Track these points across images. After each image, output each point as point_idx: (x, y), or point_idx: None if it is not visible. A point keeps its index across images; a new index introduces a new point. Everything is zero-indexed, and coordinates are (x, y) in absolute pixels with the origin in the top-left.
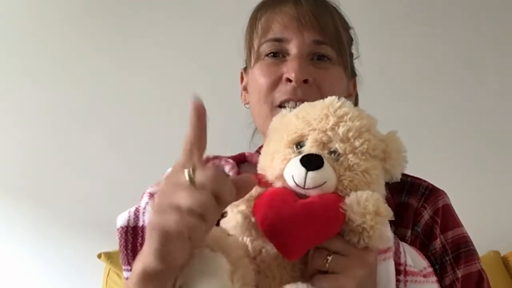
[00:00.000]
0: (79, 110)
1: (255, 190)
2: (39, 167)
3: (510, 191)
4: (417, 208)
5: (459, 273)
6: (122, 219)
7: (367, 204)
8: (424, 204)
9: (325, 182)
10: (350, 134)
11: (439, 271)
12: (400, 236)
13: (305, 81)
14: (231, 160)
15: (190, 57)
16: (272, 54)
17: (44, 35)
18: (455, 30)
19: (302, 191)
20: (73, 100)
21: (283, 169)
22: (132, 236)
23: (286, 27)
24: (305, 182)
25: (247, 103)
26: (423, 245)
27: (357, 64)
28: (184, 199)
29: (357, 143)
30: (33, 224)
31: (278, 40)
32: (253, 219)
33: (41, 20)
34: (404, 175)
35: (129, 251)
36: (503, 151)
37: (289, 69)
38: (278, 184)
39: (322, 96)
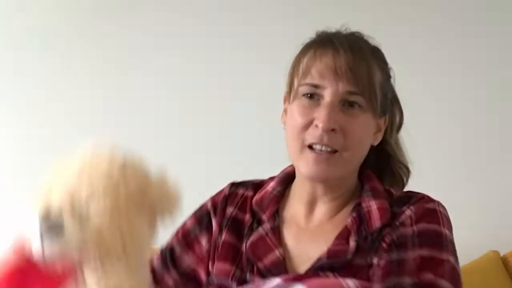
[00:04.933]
0: (80, 110)
1: None
2: (39, 167)
3: (510, 191)
4: (405, 211)
5: (419, 253)
6: None
7: None
8: (411, 206)
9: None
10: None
11: (402, 245)
12: (402, 235)
13: (332, 130)
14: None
15: (192, 58)
16: (308, 95)
17: (44, 33)
18: (454, 32)
19: None
20: (73, 99)
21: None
22: None
23: (323, 75)
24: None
25: (285, 125)
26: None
27: None
28: None
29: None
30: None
31: (315, 86)
32: None
33: (40, 18)
34: (404, 192)
35: None
36: (503, 151)
37: (319, 117)
38: None
39: (346, 141)
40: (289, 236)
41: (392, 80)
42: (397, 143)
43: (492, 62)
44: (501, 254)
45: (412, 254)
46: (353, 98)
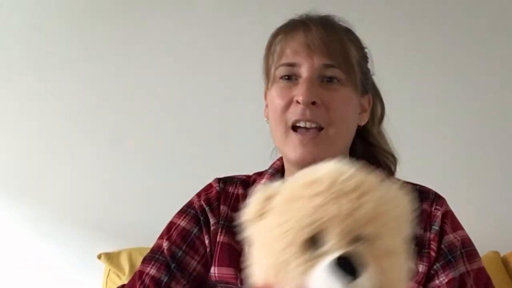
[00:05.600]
0: (79, 110)
1: None
2: (39, 166)
3: (510, 191)
4: (431, 211)
5: (470, 267)
6: None
7: None
8: (436, 206)
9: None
10: (378, 210)
11: (452, 261)
12: (420, 237)
13: (313, 103)
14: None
15: (193, 59)
16: (286, 77)
17: (46, 34)
18: (454, 30)
19: None
20: (73, 99)
21: (307, 280)
22: None
23: (297, 52)
24: None
25: (268, 119)
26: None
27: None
28: None
29: (386, 219)
30: (33, 224)
31: (291, 65)
32: None
33: (44, 20)
34: (412, 184)
35: None
36: (503, 151)
37: (298, 92)
38: None
39: (329, 115)
40: None
41: (370, 62)
42: (380, 134)
43: (492, 62)
44: (501, 254)
45: (466, 269)
46: (330, 72)
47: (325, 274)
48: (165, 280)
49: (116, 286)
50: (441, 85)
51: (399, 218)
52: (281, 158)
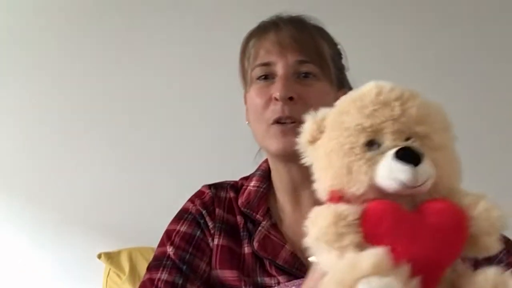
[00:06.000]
0: (79, 110)
1: (349, 211)
2: (39, 166)
3: (510, 191)
4: None
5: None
6: None
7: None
8: None
9: (431, 175)
10: (423, 112)
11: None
12: None
13: (291, 99)
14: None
15: (192, 60)
16: (263, 77)
17: (45, 33)
18: (459, 27)
19: (408, 192)
20: (73, 99)
21: (373, 176)
22: None
23: (270, 52)
24: (416, 179)
25: (249, 122)
26: None
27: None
28: None
29: (432, 120)
30: (32, 224)
31: (266, 64)
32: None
33: (43, 18)
34: None
35: None
36: (504, 150)
37: (276, 89)
38: (368, 197)
39: (307, 111)
40: (288, 230)
41: (344, 58)
42: None
43: (492, 62)
44: None
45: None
46: (304, 67)
47: (391, 163)
48: (180, 283)
49: None
50: (441, 85)
51: (442, 120)
52: (266, 160)
